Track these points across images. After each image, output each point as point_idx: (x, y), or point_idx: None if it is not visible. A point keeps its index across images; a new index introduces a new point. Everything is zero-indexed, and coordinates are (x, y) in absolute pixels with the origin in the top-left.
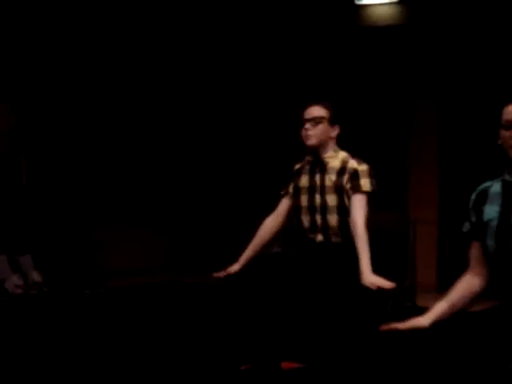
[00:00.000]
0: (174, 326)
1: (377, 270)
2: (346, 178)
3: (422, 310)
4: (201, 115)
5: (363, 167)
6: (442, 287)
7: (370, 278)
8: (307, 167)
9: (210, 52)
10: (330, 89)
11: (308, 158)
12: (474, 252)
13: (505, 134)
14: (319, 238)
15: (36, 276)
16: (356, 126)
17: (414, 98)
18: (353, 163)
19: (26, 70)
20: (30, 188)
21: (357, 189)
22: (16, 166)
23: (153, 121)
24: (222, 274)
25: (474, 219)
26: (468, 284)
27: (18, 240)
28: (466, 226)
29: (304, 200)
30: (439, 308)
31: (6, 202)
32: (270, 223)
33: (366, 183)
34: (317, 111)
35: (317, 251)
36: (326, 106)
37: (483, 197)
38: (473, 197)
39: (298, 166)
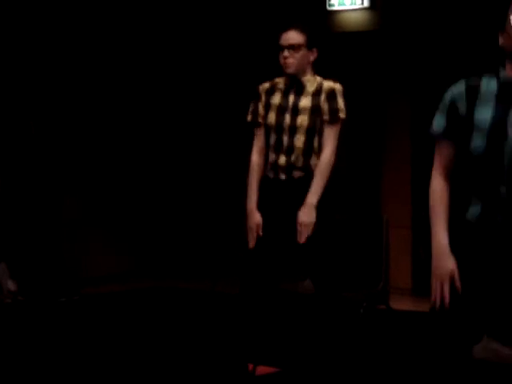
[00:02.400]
0: (150, 332)
1: (350, 272)
2: (322, 97)
3: (395, 313)
4: (184, 128)
5: (339, 86)
6: (417, 290)
7: (304, 217)
8: (281, 87)
9: (192, 60)
10: None
11: (279, 80)
12: (446, 152)
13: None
14: (282, 160)
15: (11, 285)
16: None
17: (386, 101)
18: (329, 82)
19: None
20: (3, 196)
21: (334, 116)
22: None
23: (129, 127)
24: (253, 239)
25: (455, 116)
26: (446, 193)
27: None
28: (440, 123)
29: (272, 118)
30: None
31: None
32: (258, 161)
33: (342, 104)
34: (295, 38)
35: (279, 192)
36: (303, 30)
37: (474, 95)
38: (457, 91)
39: (267, 85)
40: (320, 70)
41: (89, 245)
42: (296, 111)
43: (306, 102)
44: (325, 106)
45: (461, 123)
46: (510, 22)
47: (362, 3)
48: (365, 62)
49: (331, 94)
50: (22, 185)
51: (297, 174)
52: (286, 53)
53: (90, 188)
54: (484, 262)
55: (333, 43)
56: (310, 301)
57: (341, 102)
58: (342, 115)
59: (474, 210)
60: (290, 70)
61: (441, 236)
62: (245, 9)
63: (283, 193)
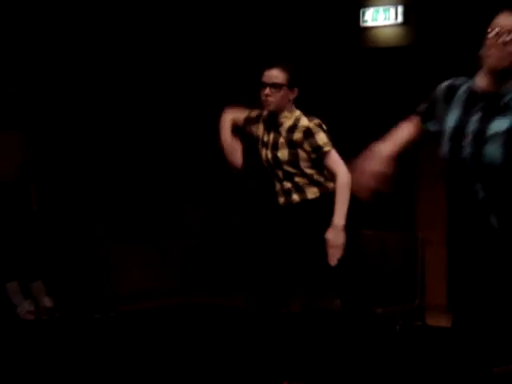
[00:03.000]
0: (186, 349)
1: (386, 289)
2: (297, 134)
3: (431, 330)
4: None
5: (313, 124)
6: (453, 307)
7: (333, 239)
8: (262, 121)
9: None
10: (335, 109)
11: (263, 113)
12: (414, 120)
13: (489, 42)
14: (287, 185)
15: (47, 302)
16: (363, 146)
17: None
18: (304, 121)
19: (39, 99)
20: (40, 214)
21: (319, 152)
22: (26, 193)
23: (156, 141)
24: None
25: (433, 109)
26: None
27: (28, 266)
28: (423, 107)
29: (261, 152)
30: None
31: (17, 228)
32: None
33: (323, 139)
34: (277, 76)
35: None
36: (285, 70)
37: (451, 96)
38: (442, 87)
39: (254, 114)
40: (354, 85)
41: (124, 261)
42: (275, 147)
43: (282, 138)
44: (306, 145)
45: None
46: (487, 34)
47: (396, 19)
48: (398, 77)
49: (307, 133)
50: (57, 200)
51: (310, 194)
52: (267, 90)
53: (125, 203)
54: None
55: (367, 59)
56: (344, 318)
57: (320, 138)
58: (327, 148)
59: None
60: (270, 108)
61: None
62: (278, 22)
63: (298, 214)
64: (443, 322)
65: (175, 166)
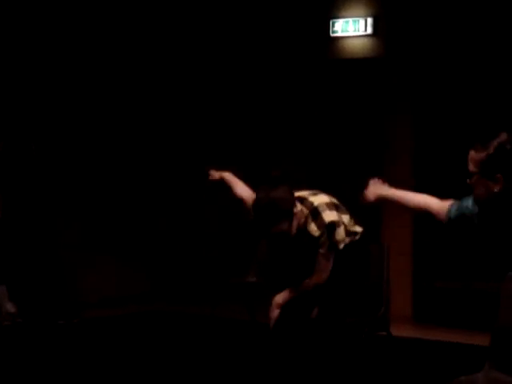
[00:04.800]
0: (149, 357)
1: (351, 298)
2: (306, 239)
3: (396, 340)
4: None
5: (321, 230)
6: (418, 317)
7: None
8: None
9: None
10: (304, 120)
11: None
12: (445, 204)
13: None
14: None
15: (10, 307)
16: (331, 158)
17: (387, 128)
18: (311, 228)
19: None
20: (4, 220)
21: (315, 249)
22: None
23: (130, 148)
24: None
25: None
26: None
27: None
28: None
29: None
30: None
31: None
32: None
33: (323, 241)
34: (282, 227)
35: None
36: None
37: None
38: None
39: None
40: (323, 96)
41: (89, 268)
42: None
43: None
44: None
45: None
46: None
47: (365, 30)
48: (367, 88)
49: (314, 241)
50: (21, 207)
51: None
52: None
53: (90, 210)
54: None
55: (335, 70)
56: (312, 326)
57: (323, 239)
58: (322, 250)
59: None
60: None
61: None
62: (247, 28)
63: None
64: (408, 332)
65: (140, 172)
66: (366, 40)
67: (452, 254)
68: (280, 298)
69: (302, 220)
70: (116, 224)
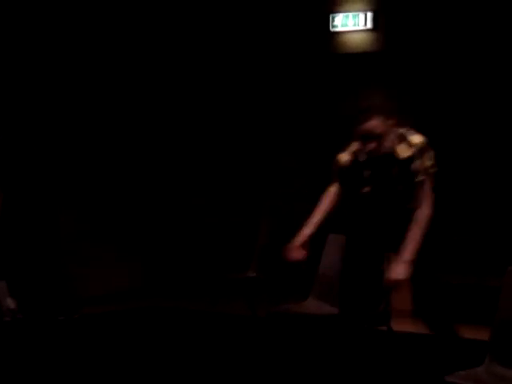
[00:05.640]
0: (150, 352)
1: (350, 294)
2: (396, 168)
3: (396, 335)
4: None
5: (413, 151)
6: (418, 312)
7: (397, 270)
8: (360, 159)
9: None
10: (304, 114)
11: (357, 148)
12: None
13: None
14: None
15: (10, 303)
16: (331, 152)
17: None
18: (401, 151)
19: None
20: (3, 215)
21: (413, 180)
22: None
23: (129, 143)
24: (296, 250)
25: None
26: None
27: None
28: None
29: (355, 187)
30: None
31: None
32: (334, 190)
33: (417, 167)
34: (375, 127)
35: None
36: (380, 115)
37: None
38: None
39: (346, 160)
40: (323, 90)
41: (89, 263)
42: (377, 183)
43: (387, 172)
44: (402, 172)
45: None
46: None
47: (365, 25)
48: (367, 82)
49: (403, 165)
50: (21, 203)
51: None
52: (369, 144)
53: (90, 207)
54: None
55: (336, 64)
56: (313, 322)
57: (415, 165)
58: (420, 177)
59: None
60: (377, 154)
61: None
62: (248, 23)
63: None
64: (408, 327)
65: (138, 168)
66: (365, 34)
67: (452, 249)
68: (401, 273)
69: (389, 143)
70: (115, 220)
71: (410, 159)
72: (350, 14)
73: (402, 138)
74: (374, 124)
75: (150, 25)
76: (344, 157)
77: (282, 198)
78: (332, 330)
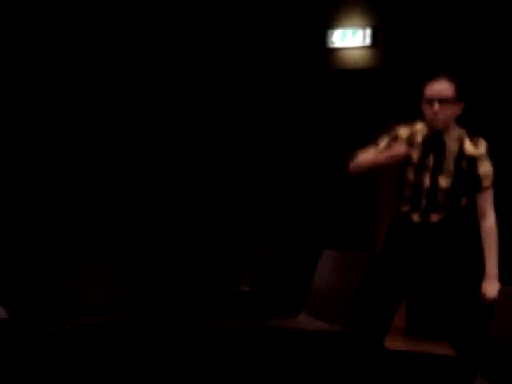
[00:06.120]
0: (142, 364)
1: (345, 309)
2: (464, 162)
3: (389, 353)
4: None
5: (479, 151)
6: (411, 330)
7: (489, 288)
8: (419, 139)
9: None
10: (302, 129)
11: (419, 128)
12: None
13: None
14: (415, 217)
15: (2, 312)
16: (328, 167)
17: None
18: (469, 147)
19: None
20: None
21: (478, 185)
22: None
23: (117, 155)
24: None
25: None
26: None
27: None
28: None
29: (410, 175)
30: None
31: None
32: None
33: (485, 171)
34: (446, 90)
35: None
36: (452, 81)
37: None
38: None
39: (405, 133)
40: (321, 106)
41: (81, 274)
42: (437, 172)
43: (448, 162)
44: (468, 175)
45: None
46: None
47: (364, 41)
48: (365, 99)
49: (470, 163)
50: (13, 211)
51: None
52: (436, 107)
53: (82, 216)
54: None
55: (333, 80)
56: (306, 338)
57: (483, 170)
58: (486, 184)
59: None
60: (438, 127)
61: None
62: (245, 38)
63: (417, 237)
64: (401, 344)
65: (132, 177)
66: (364, 51)
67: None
68: (494, 290)
69: (456, 132)
70: (107, 231)
71: (476, 160)
72: (349, 30)
73: (465, 136)
74: (446, 86)
75: (150, 26)
76: (403, 129)
77: (278, 213)
78: (327, 346)
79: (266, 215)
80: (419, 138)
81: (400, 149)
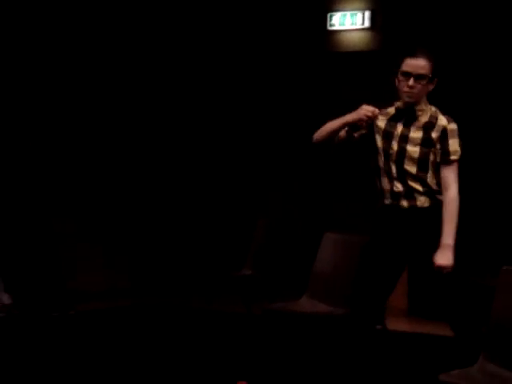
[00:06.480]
0: (145, 349)
1: (347, 291)
2: (435, 133)
3: (392, 334)
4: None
5: (451, 126)
6: (413, 311)
7: (442, 260)
8: (388, 111)
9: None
10: (301, 113)
11: (397, 105)
12: None
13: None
14: (398, 186)
15: (6, 298)
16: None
17: None
18: (442, 119)
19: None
20: None
21: (445, 158)
22: None
23: (121, 142)
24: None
25: None
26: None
27: None
28: None
29: (379, 142)
30: None
31: None
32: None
33: (454, 145)
34: (423, 67)
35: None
36: (430, 59)
37: None
38: None
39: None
40: (320, 88)
41: (85, 259)
42: (405, 140)
43: (416, 133)
44: (437, 145)
45: None
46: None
47: (363, 23)
48: (364, 81)
49: (443, 134)
50: (16, 201)
51: (419, 202)
52: (411, 82)
53: (85, 202)
54: None
55: (333, 63)
56: (308, 321)
57: (452, 143)
58: (454, 157)
59: None
60: (411, 100)
61: None
62: (244, 22)
63: (406, 222)
64: (404, 325)
65: (133, 164)
66: (363, 33)
67: None
68: (445, 259)
69: (429, 107)
70: (109, 217)
71: (447, 133)
72: (348, 13)
73: (438, 111)
74: (423, 63)
75: (148, 25)
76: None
77: (280, 197)
78: (329, 328)
79: (268, 199)
80: (392, 110)
81: (368, 108)
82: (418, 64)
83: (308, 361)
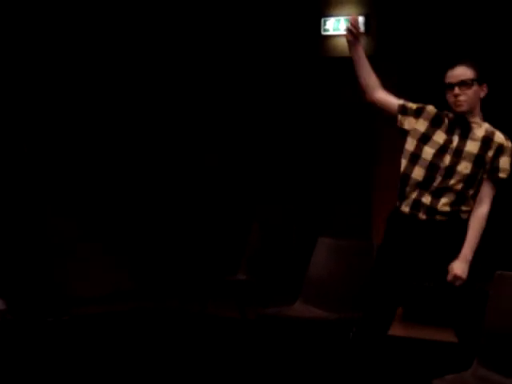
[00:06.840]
0: (141, 354)
1: (340, 296)
2: (490, 153)
3: (386, 339)
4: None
5: (509, 144)
6: (407, 316)
7: (459, 270)
8: (446, 122)
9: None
10: (295, 117)
11: (447, 113)
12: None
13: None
14: (426, 199)
15: (0, 303)
16: (320, 155)
17: (377, 127)
18: (499, 136)
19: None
20: None
21: (493, 174)
22: None
23: (121, 143)
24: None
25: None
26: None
27: None
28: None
29: (428, 154)
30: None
31: None
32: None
33: (505, 164)
34: (462, 74)
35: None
36: (471, 65)
37: None
38: None
39: (415, 106)
40: (312, 94)
41: (79, 265)
42: (459, 155)
43: (471, 146)
44: (488, 160)
45: None
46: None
47: None
48: (359, 87)
49: (498, 150)
50: (11, 206)
51: (439, 217)
52: (456, 90)
53: (80, 207)
54: None
55: (327, 68)
56: (302, 325)
57: (505, 161)
58: (503, 175)
59: None
60: (462, 109)
61: None
62: (239, 26)
63: (421, 234)
64: (398, 330)
65: (130, 166)
66: None
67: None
68: (461, 271)
69: (484, 124)
70: (105, 221)
71: (503, 150)
72: (342, 18)
73: (488, 131)
74: (463, 70)
75: (146, 25)
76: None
77: (274, 202)
78: (323, 333)
79: (262, 204)
80: (446, 120)
81: (348, 25)
82: (457, 72)
83: (302, 366)
